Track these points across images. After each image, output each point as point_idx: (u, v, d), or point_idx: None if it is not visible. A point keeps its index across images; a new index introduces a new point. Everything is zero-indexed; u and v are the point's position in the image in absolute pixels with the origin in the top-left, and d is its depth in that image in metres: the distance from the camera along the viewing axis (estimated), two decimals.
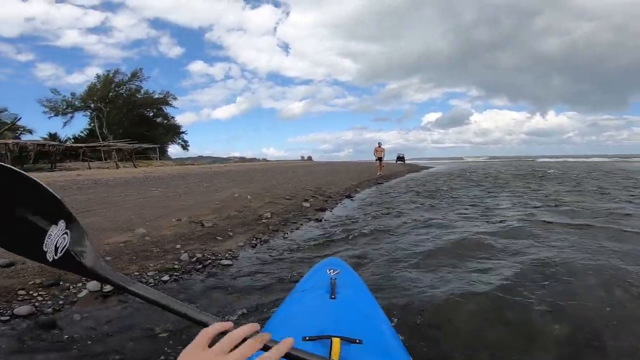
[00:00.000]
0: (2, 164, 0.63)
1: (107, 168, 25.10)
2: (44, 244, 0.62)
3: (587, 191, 8.37)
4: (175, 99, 52.80)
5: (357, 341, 0.82)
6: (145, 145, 35.01)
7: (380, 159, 15.22)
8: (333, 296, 1.09)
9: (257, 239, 4.03)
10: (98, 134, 38.42)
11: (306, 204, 6.51)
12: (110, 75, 44.96)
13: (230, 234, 4.16)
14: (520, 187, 9.76)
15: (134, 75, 46.49)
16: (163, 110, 55.19)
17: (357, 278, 1.39)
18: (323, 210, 6.19)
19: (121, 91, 45.31)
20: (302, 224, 4.99)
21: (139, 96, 47.04)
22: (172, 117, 57.76)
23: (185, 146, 60.22)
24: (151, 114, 54.46)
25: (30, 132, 31.82)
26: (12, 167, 0.64)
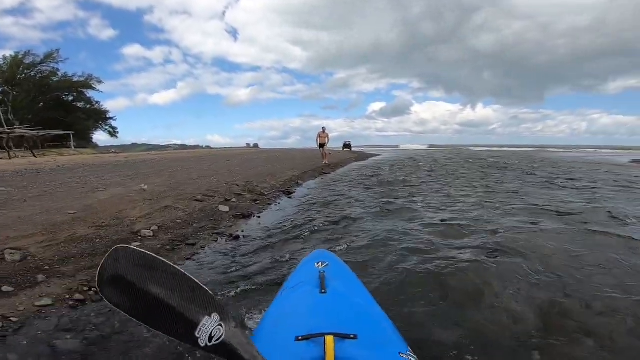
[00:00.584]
0: (165, 261, 0.74)
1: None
2: (197, 331, 0.70)
3: (558, 186, 7.53)
4: (100, 82, 47.16)
5: (352, 336, 0.81)
6: (55, 132, 29.86)
7: (322, 145, 13.08)
8: (323, 290, 1.06)
9: (84, 290, 2.09)
10: (2, 120, 32.59)
11: (224, 208, 4.62)
12: (20, 56, 38.56)
13: (41, 277, 2.19)
14: (478, 179, 8.78)
15: (49, 56, 40.45)
16: (85, 94, 49.14)
17: (347, 269, 1.37)
18: (246, 216, 4.37)
19: (32, 73, 39.66)
20: (203, 247, 3.14)
21: (55, 79, 41.64)
22: (97, 102, 51.72)
23: (113, 133, 54.21)
24: (71, 98, 48.14)
25: None
26: (172, 264, 0.75)
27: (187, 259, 2.82)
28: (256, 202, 5.34)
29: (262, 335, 0.94)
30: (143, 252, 0.73)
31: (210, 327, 0.71)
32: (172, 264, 0.75)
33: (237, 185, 6.61)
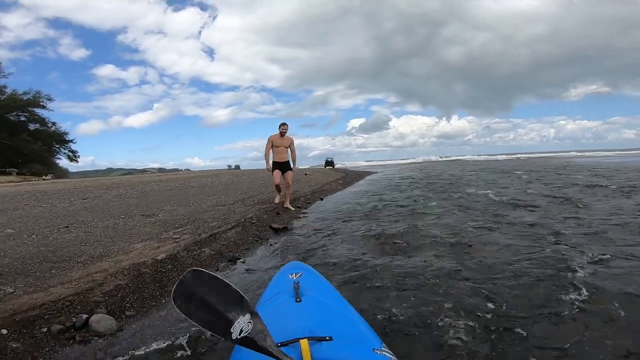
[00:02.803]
0: (220, 277, 0.89)
1: None
2: (233, 327, 0.84)
3: None
4: (49, 99, 40.95)
5: (327, 338, 0.85)
6: None
7: (281, 165, 5.80)
8: (298, 299, 1.08)
9: None
10: None
11: None
12: None
13: None
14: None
15: None
16: (37, 114, 42.87)
17: (321, 278, 1.41)
18: None
19: None
20: None
21: None
22: (53, 123, 45.39)
23: (73, 157, 47.58)
24: (21, 119, 41.83)
25: None
26: (224, 278, 0.89)
27: None
28: None
29: (238, 347, 0.94)
30: (207, 272, 0.88)
31: (242, 324, 0.84)
32: (223, 278, 0.89)
33: None
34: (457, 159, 61.17)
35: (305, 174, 16.75)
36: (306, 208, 6.24)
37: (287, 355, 0.78)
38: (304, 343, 0.81)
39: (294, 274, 1.29)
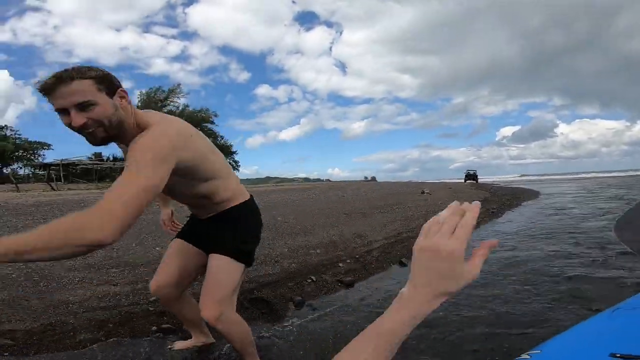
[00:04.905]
0: None
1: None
2: None
3: None
4: (216, 115, 48.17)
5: None
6: None
7: (197, 226, 1.53)
8: None
9: None
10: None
11: None
12: (152, 93, 42.58)
13: None
14: None
15: (172, 91, 43.20)
16: (210, 129, 51.68)
17: None
18: None
19: (164, 109, 43.14)
20: None
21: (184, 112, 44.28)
22: (222, 137, 53.72)
23: (234, 167, 55.53)
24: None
25: None
26: None
27: None
28: None
29: (559, 343, 0.75)
30: None
31: None
32: None
33: None
34: None
35: (422, 192, 12.17)
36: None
37: None
38: None
39: None
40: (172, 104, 42.47)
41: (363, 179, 76.87)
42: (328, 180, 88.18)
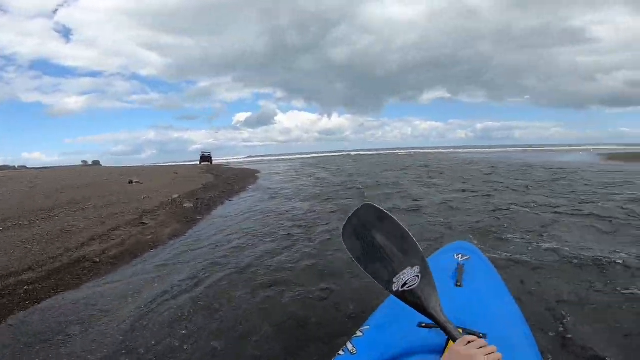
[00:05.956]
0: (391, 216, 0.83)
1: None
2: (396, 277, 0.76)
3: None
4: None
5: (480, 335, 0.73)
6: None
7: None
8: (459, 284, 1.00)
9: None
10: None
11: None
12: None
13: None
14: None
15: None
16: None
17: (489, 265, 1.22)
18: None
19: None
20: None
21: None
22: None
23: None
24: None
25: None
26: (396, 219, 0.82)
27: None
28: None
29: (381, 317, 0.90)
30: (379, 207, 0.82)
31: (407, 277, 0.76)
32: (396, 219, 0.81)
33: None
34: (351, 154, 58.35)
35: (130, 182, 10.57)
36: None
37: (450, 322, 0.71)
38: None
39: (460, 255, 1.17)
40: None
41: (81, 163, 61.60)
42: (24, 167, 65.07)
